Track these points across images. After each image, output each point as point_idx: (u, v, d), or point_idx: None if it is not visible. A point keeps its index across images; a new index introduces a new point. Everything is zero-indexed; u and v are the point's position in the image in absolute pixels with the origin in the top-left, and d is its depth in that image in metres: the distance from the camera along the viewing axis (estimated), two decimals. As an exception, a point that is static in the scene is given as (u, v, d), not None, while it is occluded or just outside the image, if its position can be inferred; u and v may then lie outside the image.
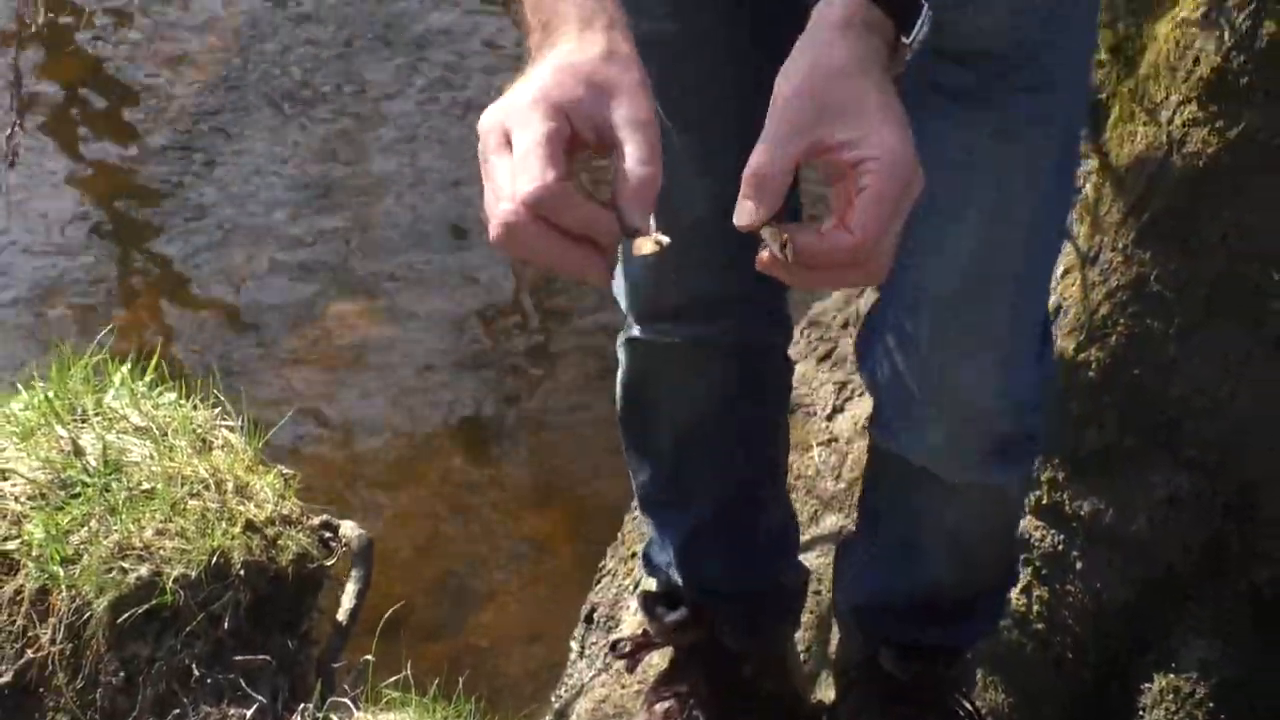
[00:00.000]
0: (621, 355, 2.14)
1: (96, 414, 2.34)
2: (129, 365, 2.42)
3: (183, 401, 2.39)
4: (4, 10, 3.82)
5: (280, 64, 3.83)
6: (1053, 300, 2.78)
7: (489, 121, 1.34)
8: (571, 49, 1.37)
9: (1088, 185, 2.83)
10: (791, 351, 2.32)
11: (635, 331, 2.09)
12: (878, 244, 1.34)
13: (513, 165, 1.32)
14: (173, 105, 3.75)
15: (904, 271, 1.81)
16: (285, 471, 2.26)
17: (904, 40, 1.40)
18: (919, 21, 1.40)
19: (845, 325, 3.22)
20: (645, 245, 1.34)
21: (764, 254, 1.35)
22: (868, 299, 2.16)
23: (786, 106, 1.35)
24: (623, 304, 2.06)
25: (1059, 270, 2.77)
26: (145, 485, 2.22)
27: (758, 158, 1.34)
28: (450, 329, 3.53)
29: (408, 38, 3.86)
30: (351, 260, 3.51)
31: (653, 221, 1.35)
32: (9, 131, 3.14)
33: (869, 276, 1.38)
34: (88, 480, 2.23)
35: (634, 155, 1.34)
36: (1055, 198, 1.87)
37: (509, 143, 1.34)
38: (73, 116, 3.66)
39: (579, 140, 1.35)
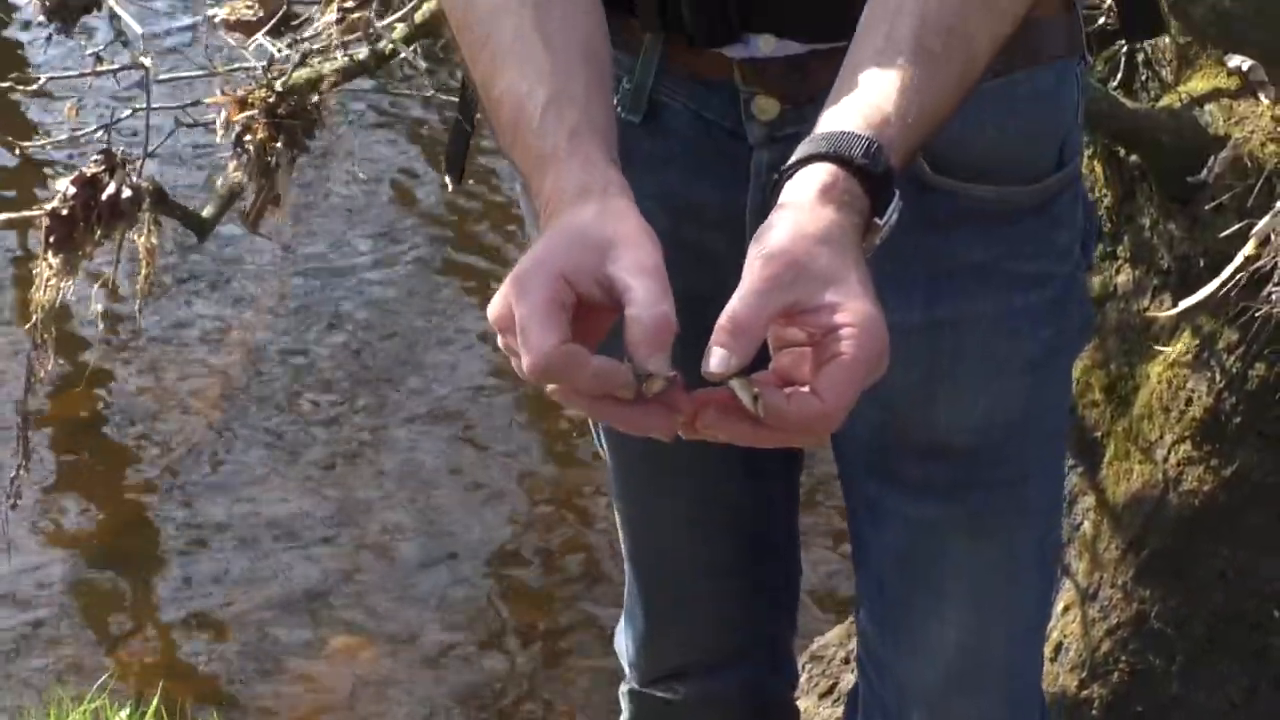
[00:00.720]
0: (624, 705, 2.12)
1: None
2: (128, 710, 2.38)
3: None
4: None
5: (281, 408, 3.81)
6: (1054, 637, 2.77)
7: (495, 305, 1.33)
8: (567, 216, 1.36)
9: (1086, 522, 2.84)
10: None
11: (637, 685, 2.07)
12: (843, 414, 1.31)
13: (520, 338, 1.30)
14: (175, 445, 3.74)
15: (887, 672, 1.84)
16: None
17: (877, 221, 1.38)
18: (890, 207, 1.38)
19: (847, 660, 3.22)
20: (654, 386, 1.30)
21: (709, 413, 1.31)
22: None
23: (768, 262, 1.32)
24: (623, 660, 2.04)
25: (1059, 607, 2.76)
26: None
27: (735, 305, 1.30)
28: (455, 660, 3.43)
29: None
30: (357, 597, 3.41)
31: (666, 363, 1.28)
32: (13, 473, 3.18)
33: (817, 441, 1.35)
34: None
35: (640, 299, 1.30)
36: (1036, 588, 1.84)
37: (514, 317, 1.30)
38: (79, 459, 3.69)
39: (587, 301, 1.33)
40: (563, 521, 3.46)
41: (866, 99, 1.39)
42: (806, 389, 1.30)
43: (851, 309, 1.31)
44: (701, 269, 1.55)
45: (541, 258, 1.33)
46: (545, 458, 3.73)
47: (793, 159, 1.37)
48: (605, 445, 1.91)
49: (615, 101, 1.57)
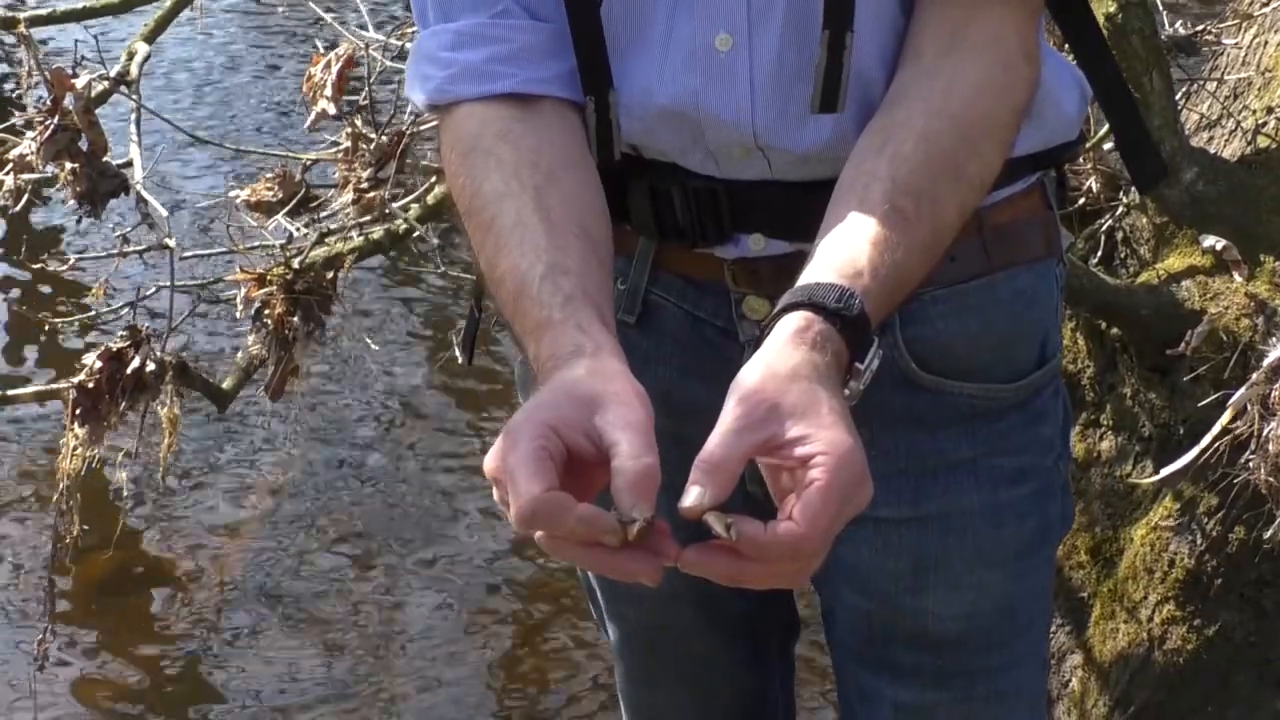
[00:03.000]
0: None
1: None
2: None
3: None
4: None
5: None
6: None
7: (489, 457, 1.32)
8: (560, 375, 1.36)
9: (1074, 679, 2.83)
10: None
11: None
12: (821, 541, 1.28)
13: (509, 488, 1.30)
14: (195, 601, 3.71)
15: None
16: None
17: (857, 365, 1.37)
18: (870, 352, 1.38)
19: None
20: (636, 532, 1.29)
21: (690, 552, 1.30)
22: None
23: (741, 402, 1.31)
24: None
25: (1051, 765, 2.57)
26: None
27: (710, 444, 1.30)
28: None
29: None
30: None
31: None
32: (40, 636, 3.20)
33: (799, 574, 1.32)
34: None
35: (624, 451, 1.30)
36: None
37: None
38: (103, 623, 3.71)
39: (576, 454, 1.32)
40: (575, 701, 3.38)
41: (841, 254, 1.40)
42: (784, 519, 1.29)
43: (822, 438, 1.30)
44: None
45: (532, 411, 1.32)
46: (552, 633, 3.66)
47: (774, 309, 1.39)
48: (614, 643, 1.92)
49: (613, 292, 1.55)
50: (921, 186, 1.42)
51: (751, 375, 1.33)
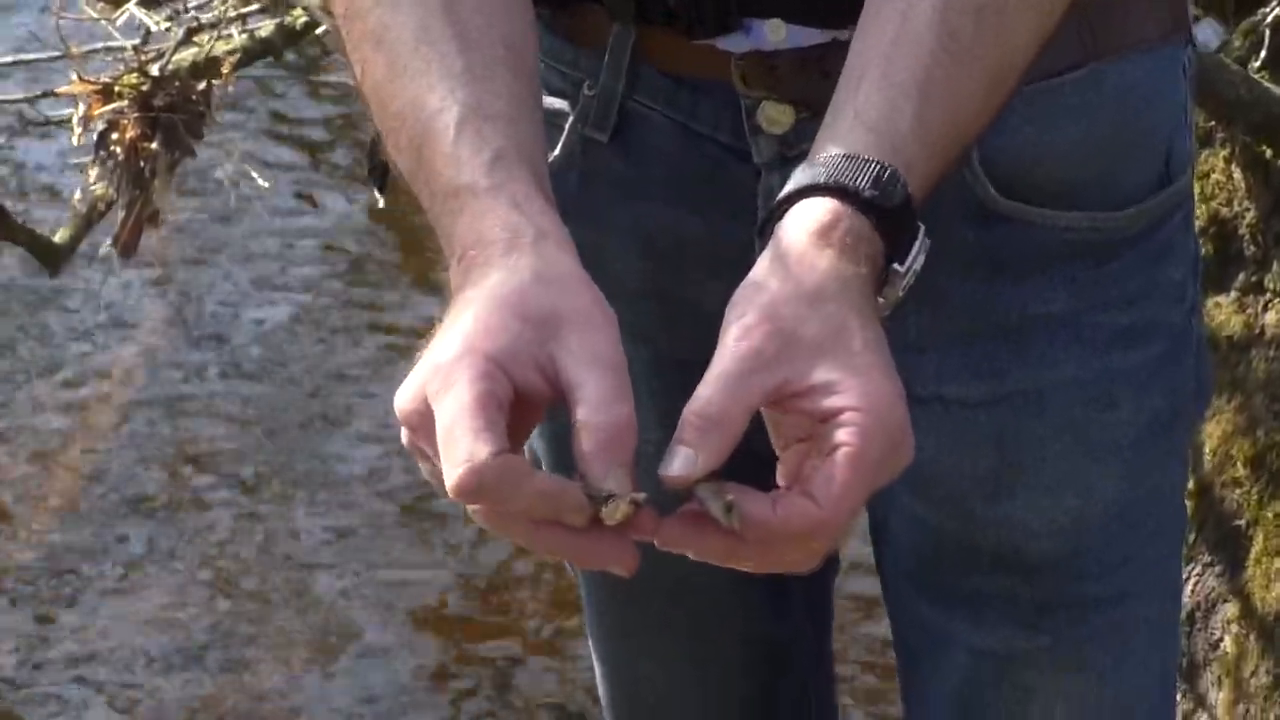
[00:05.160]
0: None
1: None
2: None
3: None
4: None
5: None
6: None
7: (405, 397, 1.21)
8: (497, 280, 1.23)
9: (1226, 638, 2.62)
10: None
11: None
12: (845, 524, 1.21)
13: (440, 446, 1.19)
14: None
15: None
16: None
17: (896, 268, 1.26)
18: (914, 248, 1.27)
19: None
20: (617, 512, 1.17)
21: (671, 527, 1.18)
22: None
23: (745, 335, 1.20)
24: None
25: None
26: None
27: (705, 394, 1.19)
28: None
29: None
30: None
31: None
32: None
33: (810, 560, 1.23)
34: None
35: (593, 398, 1.18)
36: None
37: (433, 418, 1.22)
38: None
39: (526, 395, 1.22)
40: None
41: (876, 106, 1.30)
42: (798, 493, 1.20)
43: (853, 387, 1.19)
44: (686, 328, 1.45)
45: (471, 338, 1.21)
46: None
47: (784, 192, 1.28)
48: (581, 575, 1.85)
49: (575, 116, 1.52)
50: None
51: (757, 295, 1.23)
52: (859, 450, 1.19)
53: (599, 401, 1.20)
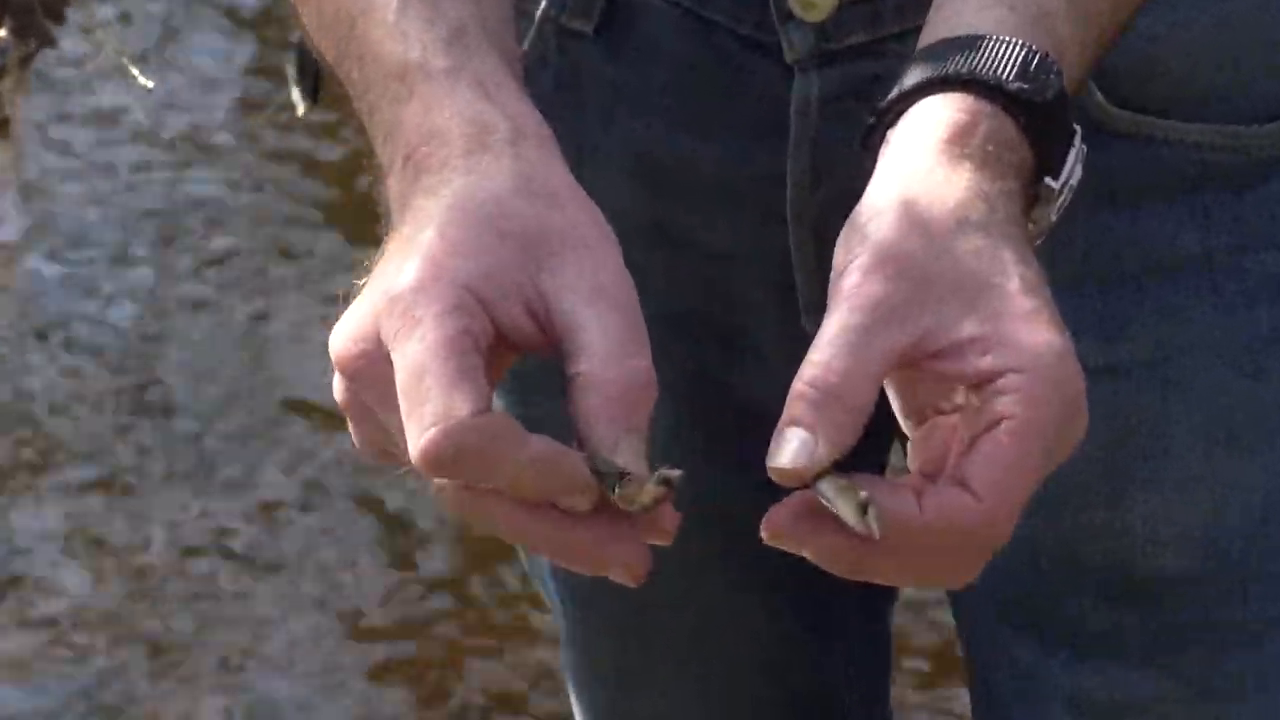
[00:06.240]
0: None
1: None
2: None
3: None
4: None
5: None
6: None
7: (347, 337, 1.01)
8: (462, 187, 1.04)
9: None
10: None
11: None
12: (1012, 520, 1.03)
13: (403, 401, 1.00)
14: None
15: None
16: None
17: (1048, 184, 1.08)
18: (1070, 158, 1.10)
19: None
20: (643, 493, 0.99)
21: (783, 516, 0.99)
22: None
23: (870, 274, 1.02)
24: None
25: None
26: None
27: (821, 358, 1.01)
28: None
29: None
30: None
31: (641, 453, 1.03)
32: None
33: (968, 570, 1.04)
34: None
35: (598, 345, 1.01)
36: None
37: (388, 366, 1.03)
38: None
39: (505, 334, 1.03)
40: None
41: None
42: (950, 483, 1.01)
43: (1014, 341, 1.01)
44: (688, 276, 1.33)
45: (438, 262, 1.00)
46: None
47: (897, 89, 1.09)
48: (560, 596, 1.60)
49: (549, 1, 1.35)
50: None
51: (881, 224, 1.04)
52: (1028, 422, 1.02)
53: (607, 350, 1.02)
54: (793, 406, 1.01)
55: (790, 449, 1.00)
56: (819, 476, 1.01)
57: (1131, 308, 1.38)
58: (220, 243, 3.90)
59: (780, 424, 1.01)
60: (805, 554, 1.05)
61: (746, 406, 1.31)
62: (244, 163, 4.06)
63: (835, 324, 1.02)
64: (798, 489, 1.02)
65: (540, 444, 1.00)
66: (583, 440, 1.01)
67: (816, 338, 1.04)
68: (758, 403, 1.18)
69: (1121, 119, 1.34)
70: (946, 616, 2.46)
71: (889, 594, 1.69)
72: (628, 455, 1.01)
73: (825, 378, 1.01)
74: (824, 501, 1.02)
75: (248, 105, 4.22)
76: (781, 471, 1.00)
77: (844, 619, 1.63)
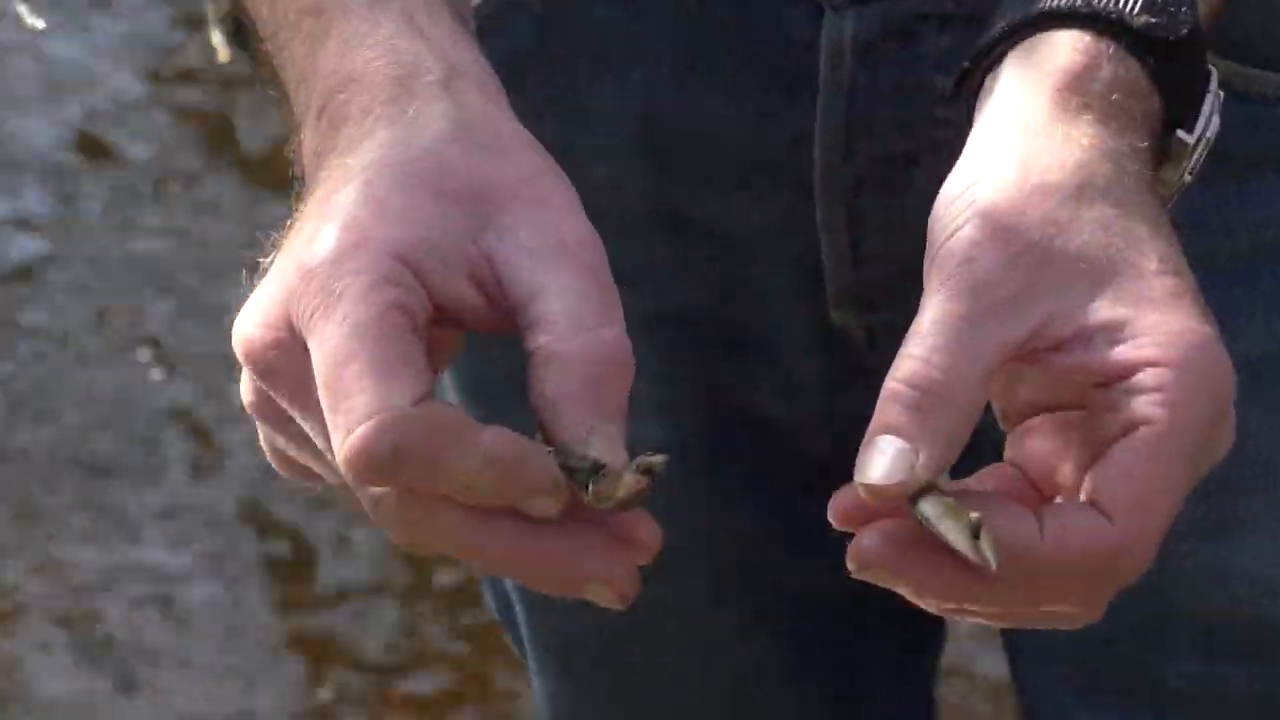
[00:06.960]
0: None
1: None
2: None
3: None
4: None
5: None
6: None
7: (253, 323, 0.88)
8: (388, 139, 0.92)
9: None
10: None
11: None
12: (1156, 545, 0.91)
13: (324, 396, 0.87)
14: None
15: None
16: None
17: (1182, 137, 0.98)
18: (1206, 106, 0.99)
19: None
20: (621, 484, 0.86)
21: (873, 540, 0.87)
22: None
23: (971, 257, 0.90)
24: None
25: None
26: None
27: (921, 352, 0.89)
28: None
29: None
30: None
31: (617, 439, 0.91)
32: None
33: (1091, 607, 0.91)
34: None
35: (561, 313, 0.88)
36: None
37: (305, 355, 0.90)
38: None
39: (447, 310, 0.91)
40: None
41: None
42: (1081, 500, 0.89)
43: (1154, 329, 0.89)
44: (698, 263, 1.22)
45: (363, 227, 0.87)
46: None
47: (1001, 25, 0.97)
48: (532, 629, 1.43)
49: None
50: None
51: (981, 190, 0.92)
52: (1173, 428, 0.89)
53: (570, 319, 0.89)
54: (886, 410, 0.88)
55: (885, 461, 0.87)
56: (920, 494, 0.88)
57: (1235, 299, 1.24)
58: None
59: (870, 430, 0.89)
60: (900, 588, 0.91)
61: (765, 425, 1.21)
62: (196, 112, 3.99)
63: (936, 310, 0.90)
64: (885, 512, 0.88)
65: (496, 435, 0.86)
66: (547, 429, 0.87)
67: (912, 327, 0.91)
68: (777, 422, 1.11)
69: (1228, 71, 1.17)
70: (998, 669, 2.46)
71: (935, 648, 1.53)
72: (601, 445, 0.87)
73: (927, 375, 0.88)
74: (925, 520, 0.88)
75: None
76: (875, 489, 0.87)
77: (871, 667, 1.48)
